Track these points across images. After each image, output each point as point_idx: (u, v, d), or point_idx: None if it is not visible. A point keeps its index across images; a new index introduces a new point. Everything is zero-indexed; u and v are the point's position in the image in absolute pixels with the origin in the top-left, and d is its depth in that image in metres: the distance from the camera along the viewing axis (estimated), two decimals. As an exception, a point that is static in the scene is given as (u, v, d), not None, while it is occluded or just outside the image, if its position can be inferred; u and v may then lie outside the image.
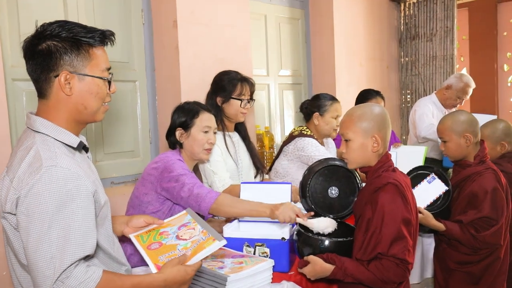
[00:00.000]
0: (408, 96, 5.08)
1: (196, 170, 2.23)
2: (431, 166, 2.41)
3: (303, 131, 2.78)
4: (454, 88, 3.67)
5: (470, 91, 3.70)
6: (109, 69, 1.34)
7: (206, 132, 2.04)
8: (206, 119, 2.05)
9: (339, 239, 1.70)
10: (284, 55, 4.03)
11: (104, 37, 1.30)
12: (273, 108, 3.97)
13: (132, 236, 1.51)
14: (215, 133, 2.11)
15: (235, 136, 2.52)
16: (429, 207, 2.23)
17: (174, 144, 2.08)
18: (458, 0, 5.19)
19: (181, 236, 1.44)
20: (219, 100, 2.44)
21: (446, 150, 2.21)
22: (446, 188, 2.23)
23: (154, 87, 3.00)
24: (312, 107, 2.84)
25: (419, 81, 4.97)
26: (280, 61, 4.00)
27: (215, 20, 3.03)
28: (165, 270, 1.26)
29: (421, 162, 2.98)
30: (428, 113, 3.66)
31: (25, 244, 1.15)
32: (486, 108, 5.78)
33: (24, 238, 1.15)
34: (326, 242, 1.68)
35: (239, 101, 2.40)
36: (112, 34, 1.33)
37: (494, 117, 3.49)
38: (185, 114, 2.05)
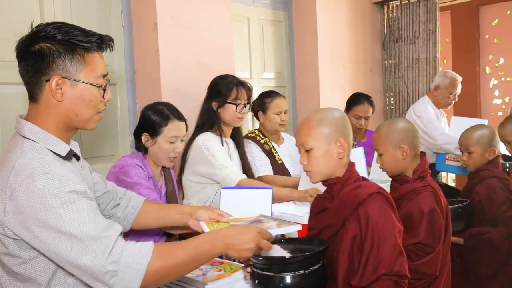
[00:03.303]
0: (392, 99, 5.10)
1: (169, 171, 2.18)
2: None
3: (248, 134, 2.82)
4: (443, 86, 3.67)
5: (459, 84, 3.68)
6: (105, 75, 1.27)
7: (172, 142, 1.99)
8: (174, 129, 2.00)
9: (305, 271, 1.33)
10: (267, 57, 4.01)
11: (102, 42, 1.25)
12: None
13: (203, 224, 1.49)
14: (182, 141, 2.07)
15: (230, 143, 2.49)
16: None
17: (139, 147, 2.04)
18: (441, 3, 5.23)
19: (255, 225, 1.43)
20: (214, 104, 2.40)
21: (381, 164, 1.93)
22: None
23: (134, 91, 2.95)
24: (256, 106, 2.84)
25: (402, 83, 4.99)
26: (263, 64, 3.98)
27: (197, 23, 3.00)
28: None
29: None
30: (434, 118, 3.59)
31: (55, 252, 1.10)
32: (469, 111, 5.83)
33: (50, 247, 1.10)
34: (288, 280, 1.31)
35: (235, 106, 2.37)
36: (111, 39, 1.27)
37: (485, 121, 3.50)
38: (153, 119, 1.98)
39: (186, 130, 2.11)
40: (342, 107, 3.53)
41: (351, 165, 1.55)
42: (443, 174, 4.44)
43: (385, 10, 5.04)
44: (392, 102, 5.09)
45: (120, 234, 1.16)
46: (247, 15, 3.80)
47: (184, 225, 1.57)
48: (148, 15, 2.82)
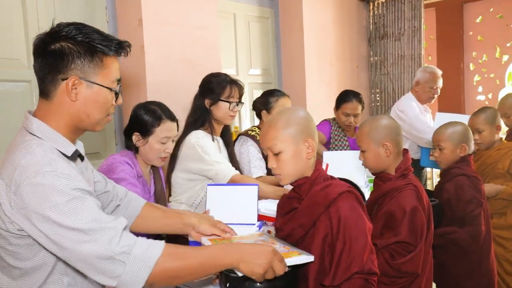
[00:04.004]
0: (378, 95, 5.14)
1: (156, 171, 2.17)
2: (344, 179, 2.07)
3: (248, 131, 2.79)
4: (422, 81, 3.70)
5: (439, 78, 3.69)
6: (119, 80, 1.29)
7: (163, 143, 1.99)
8: (166, 129, 1.98)
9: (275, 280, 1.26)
10: (253, 54, 4.00)
11: (121, 47, 1.26)
12: (243, 108, 3.93)
13: (205, 239, 1.47)
14: (173, 141, 2.06)
15: (220, 141, 2.49)
16: None
17: (129, 146, 2.02)
18: (425, 0, 5.28)
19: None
20: (207, 102, 2.38)
21: (364, 161, 1.92)
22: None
23: (119, 88, 2.92)
24: (259, 104, 2.81)
25: (388, 80, 5.03)
26: (250, 60, 3.98)
27: (182, 19, 2.98)
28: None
29: None
30: (419, 113, 3.60)
31: (61, 246, 1.10)
32: (453, 107, 5.91)
33: (55, 242, 1.10)
34: (259, 283, 1.27)
35: (228, 104, 2.36)
36: (129, 45, 1.29)
37: (467, 117, 3.55)
38: (145, 119, 1.97)
39: (177, 130, 2.10)
40: (328, 103, 3.54)
41: (318, 163, 1.52)
42: (428, 169, 4.48)
43: (371, 7, 5.07)
44: (378, 98, 5.13)
45: (126, 227, 1.16)
46: (233, 11, 3.79)
47: (183, 234, 1.58)
48: (133, 11, 2.79)
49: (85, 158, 1.38)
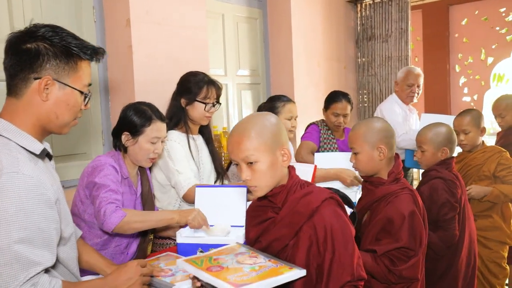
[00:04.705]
0: (365, 96, 5.17)
1: (143, 172, 2.16)
2: (332, 188, 1.99)
3: None
4: (399, 80, 3.77)
5: (415, 75, 3.71)
6: (89, 85, 1.31)
7: (153, 143, 1.98)
8: (156, 130, 1.97)
9: None
10: (242, 54, 4.00)
11: (96, 53, 1.30)
12: (231, 108, 3.94)
13: (181, 261, 1.35)
14: (162, 142, 2.05)
15: (199, 139, 2.46)
16: None
17: (118, 145, 2.01)
18: (412, 2, 5.33)
19: (243, 261, 1.29)
20: (183, 101, 2.36)
21: (356, 163, 1.88)
22: (351, 210, 1.86)
23: (107, 87, 2.90)
24: (265, 109, 2.81)
25: (375, 81, 5.07)
26: (238, 61, 3.97)
27: (171, 19, 2.97)
28: None
29: None
30: (398, 119, 3.61)
31: None
32: (439, 108, 5.97)
33: None
34: None
35: (204, 105, 2.34)
36: (103, 52, 1.32)
37: (453, 117, 3.59)
38: (136, 119, 1.96)
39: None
40: (317, 104, 3.56)
41: (292, 169, 1.44)
42: (415, 170, 4.53)
43: (358, 9, 5.10)
44: (365, 99, 5.16)
45: (47, 269, 1.18)
46: (221, 12, 3.79)
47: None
48: (120, 10, 2.77)
49: (53, 159, 1.38)
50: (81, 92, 1.28)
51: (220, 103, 2.44)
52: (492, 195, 2.71)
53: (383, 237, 1.74)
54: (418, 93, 3.74)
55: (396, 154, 1.89)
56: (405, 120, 3.71)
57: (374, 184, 1.86)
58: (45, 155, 1.28)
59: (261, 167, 1.35)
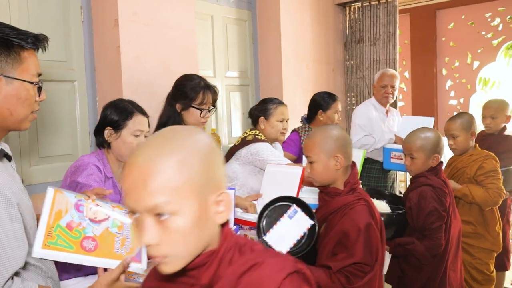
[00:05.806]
0: (353, 99, 5.20)
1: None
2: (292, 197, 1.89)
3: (257, 136, 2.75)
4: (375, 82, 3.86)
5: (388, 77, 3.75)
6: (39, 75, 1.25)
7: (137, 136, 1.96)
8: (139, 122, 1.95)
9: None
10: (231, 56, 4.00)
11: (38, 40, 1.23)
12: (220, 110, 3.93)
13: (39, 249, 1.22)
14: (146, 136, 2.03)
15: None
16: (293, 250, 1.71)
17: (101, 143, 1.98)
18: (400, 5, 5.37)
19: (95, 218, 1.28)
20: (178, 106, 2.34)
21: (311, 173, 1.78)
22: (312, 222, 1.74)
23: (94, 88, 2.88)
24: (257, 111, 2.83)
25: (363, 84, 5.10)
26: (227, 62, 3.97)
27: (159, 20, 2.96)
28: None
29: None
30: (361, 122, 3.68)
31: None
32: (426, 111, 6.03)
33: None
34: None
35: (199, 111, 2.32)
36: (46, 38, 1.25)
37: (432, 119, 3.63)
38: (117, 114, 1.94)
39: (149, 127, 2.07)
40: (305, 106, 3.57)
41: (226, 225, 0.92)
42: (401, 172, 4.55)
43: (347, 12, 5.13)
44: (354, 102, 5.19)
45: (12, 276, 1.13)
46: (210, 13, 3.78)
47: None
48: (109, 11, 2.75)
49: (13, 160, 1.33)
50: (32, 83, 1.22)
51: (216, 107, 2.42)
52: (460, 191, 2.70)
53: (339, 251, 1.65)
54: (393, 94, 3.78)
55: (353, 162, 1.81)
56: (381, 122, 3.74)
57: (330, 195, 1.77)
58: (3, 155, 1.23)
59: (180, 223, 0.81)
